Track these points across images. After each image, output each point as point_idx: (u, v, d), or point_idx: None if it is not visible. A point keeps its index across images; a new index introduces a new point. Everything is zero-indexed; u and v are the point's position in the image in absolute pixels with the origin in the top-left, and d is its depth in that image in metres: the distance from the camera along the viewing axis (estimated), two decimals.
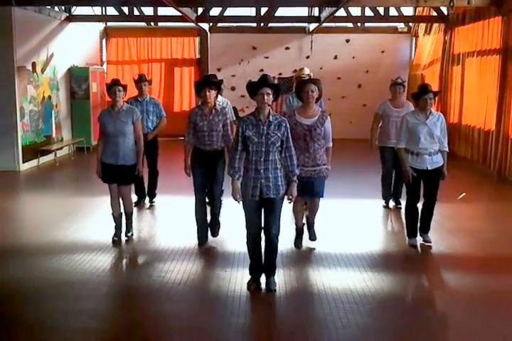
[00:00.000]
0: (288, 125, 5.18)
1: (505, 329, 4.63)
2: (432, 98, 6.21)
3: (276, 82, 15.80)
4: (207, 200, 6.78)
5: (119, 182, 6.59)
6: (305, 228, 6.59)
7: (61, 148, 12.96)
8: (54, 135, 13.03)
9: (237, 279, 5.51)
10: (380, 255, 6.41)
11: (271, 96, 5.04)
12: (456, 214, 8.11)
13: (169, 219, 7.97)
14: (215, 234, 6.73)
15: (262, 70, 15.59)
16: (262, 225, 5.23)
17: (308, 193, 6.26)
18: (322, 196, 6.34)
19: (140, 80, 8.25)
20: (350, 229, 7.36)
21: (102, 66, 15.94)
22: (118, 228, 6.72)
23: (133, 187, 7.33)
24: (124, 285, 5.61)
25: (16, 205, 8.94)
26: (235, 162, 5.16)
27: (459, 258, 6.38)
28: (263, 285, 5.31)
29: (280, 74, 15.62)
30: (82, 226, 7.43)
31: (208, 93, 6.26)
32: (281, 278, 5.51)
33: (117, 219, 6.72)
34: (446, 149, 6.37)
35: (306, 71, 7.79)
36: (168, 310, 4.95)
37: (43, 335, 4.51)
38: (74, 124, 14.09)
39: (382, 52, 16.07)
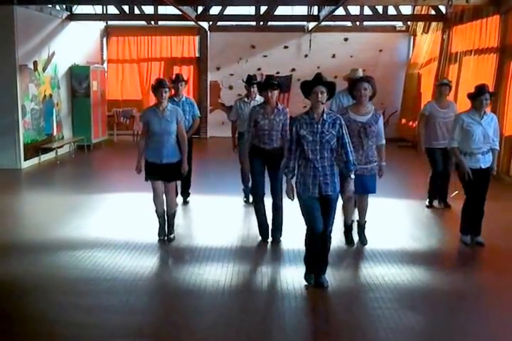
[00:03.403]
0: (343, 122, 5.19)
1: None
2: (488, 99, 6.24)
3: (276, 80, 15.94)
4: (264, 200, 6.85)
5: (164, 179, 6.64)
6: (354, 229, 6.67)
7: (62, 146, 13.05)
8: (55, 133, 13.14)
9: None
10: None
11: (325, 94, 5.03)
12: (450, 212, 8.16)
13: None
14: (276, 239, 6.66)
15: (259, 69, 15.71)
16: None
17: (359, 189, 6.29)
18: (374, 192, 6.41)
19: (177, 80, 8.16)
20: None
21: (102, 65, 16.03)
22: (162, 226, 6.75)
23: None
24: (123, 280, 5.64)
25: (18, 203, 9.01)
26: (290, 162, 5.20)
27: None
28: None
29: (278, 72, 15.69)
30: (82, 223, 7.50)
31: (270, 94, 6.38)
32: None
33: (161, 218, 6.74)
34: (497, 147, 6.48)
35: (360, 74, 7.70)
36: (172, 307, 5.05)
37: (44, 329, 4.61)
38: (74, 122, 14.19)
39: (380, 51, 16.12)
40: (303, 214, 5.23)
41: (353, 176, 5.23)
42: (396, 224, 7.61)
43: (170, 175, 6.61)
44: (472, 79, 12.00)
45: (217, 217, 7.78)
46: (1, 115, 11.23)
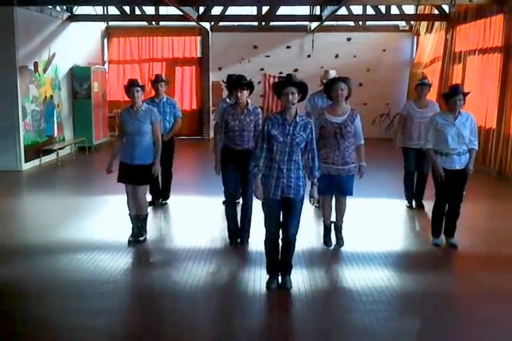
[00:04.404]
0: (313, 127, 5.15)
1: None
2: (462, 99, 6.18)
3: (276, 80, 15.88)
4: (239, 201, 6.85)
5: (134, 183, 6.56)
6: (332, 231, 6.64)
7: (63, 148, 12.98)
8: (56, 134, 13.08)
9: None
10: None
11: (296, 95, 5.00)
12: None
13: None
14: (244, 241, 6.64)
15: (262, 69, 15.65)
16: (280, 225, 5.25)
17: (336, 191, 6.34)
18: (351, 194, 6.37)
19: (156, 81, 8.15)
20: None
21: (103, 66, 15.98)
22: (135, 228, 6.69)
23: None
24: (124, 283, 5.62)
25: (18, 205, 8.96)
26: (260, 161, 5.15)
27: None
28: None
29: (281, 73, 15.61)
30: (84, 225, 7.43)
31: (239, 93, 6.31)
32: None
33: (134, 220, 6.69)
34: (475, 147, 6.35)
35: (332, 75, 7.65)
36: (173, 309, 4.99)
37: (46, 333, 4.55)
38: (75, 124, 14.12)
39: (384, 50, 16.07)
40: (264, 214, 5.24)
41: (316, 182, 5.20)
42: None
43: (140, 178, 6.52)
44: (477, 78, 11.95)
45: (215, 218, 7.70)
46: (2, 116, 11.16)
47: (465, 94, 6.27)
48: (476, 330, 4.62)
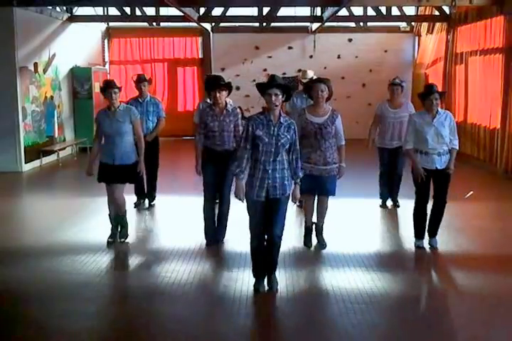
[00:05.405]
0: (296, 128, 5.14)
1: None
2: (438, 98, 6.12)
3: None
4: (216, 201, 6.77)
5: (117, 182, 6.53)
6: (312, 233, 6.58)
7: (64, 149, 12.93)
8: (56, 135, 13.02)
9: (243, 280, 5.46)
10: (386, 255, 6.37)
11: (280, 96, 4.98)
12: (463, 213, 8.03)
13: (172, 219, 7.92)
14: (220, 237, 6.62)
15: (265, 70, 15.57)
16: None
17: (318, 191, 6.31)
18: (333, 194, 6.36)
19: (139, 81, 8.15)
20: (355, 228, 7.32)
21: (104, 66, 15.91)
22: (114, 229, 6.69)
23: (132, 186, 7.27)
24: (127, 286, 5.58)
25: (19, 206, 8.90)
26: (242, 161, 5.09)
27: (468, 258, 6.32)
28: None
29: (284, 73, 15.55)
30: (85, 227, 7.38)
31: (218, 94, 6.30)
32: (289, 279, 5.48)
33: (114, 220, 6.69)
34: (455, 147, 6.25)
35: (309, 75, 7.74)
36: (173, 312, 4.90)
37: (47, 337, 4.47)
38: (76, 124, 14.08)
39: (385, 51, 16.02)
40: (248, 216, 5.17)
41: (299, 182, 5.17)
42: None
43: (123, 177, 6.51)
44: (480, 79, 11.90)
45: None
46: (1, 117, 11.10)
47: (441, 94, 6.22)
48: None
